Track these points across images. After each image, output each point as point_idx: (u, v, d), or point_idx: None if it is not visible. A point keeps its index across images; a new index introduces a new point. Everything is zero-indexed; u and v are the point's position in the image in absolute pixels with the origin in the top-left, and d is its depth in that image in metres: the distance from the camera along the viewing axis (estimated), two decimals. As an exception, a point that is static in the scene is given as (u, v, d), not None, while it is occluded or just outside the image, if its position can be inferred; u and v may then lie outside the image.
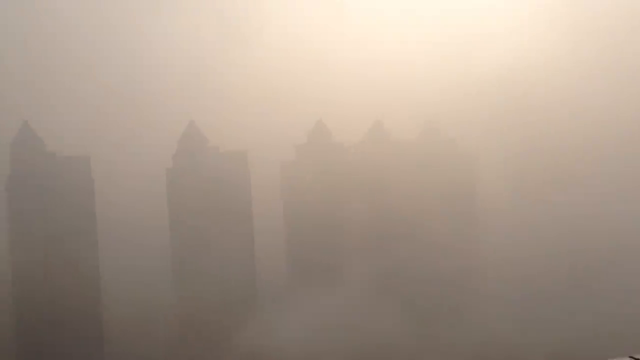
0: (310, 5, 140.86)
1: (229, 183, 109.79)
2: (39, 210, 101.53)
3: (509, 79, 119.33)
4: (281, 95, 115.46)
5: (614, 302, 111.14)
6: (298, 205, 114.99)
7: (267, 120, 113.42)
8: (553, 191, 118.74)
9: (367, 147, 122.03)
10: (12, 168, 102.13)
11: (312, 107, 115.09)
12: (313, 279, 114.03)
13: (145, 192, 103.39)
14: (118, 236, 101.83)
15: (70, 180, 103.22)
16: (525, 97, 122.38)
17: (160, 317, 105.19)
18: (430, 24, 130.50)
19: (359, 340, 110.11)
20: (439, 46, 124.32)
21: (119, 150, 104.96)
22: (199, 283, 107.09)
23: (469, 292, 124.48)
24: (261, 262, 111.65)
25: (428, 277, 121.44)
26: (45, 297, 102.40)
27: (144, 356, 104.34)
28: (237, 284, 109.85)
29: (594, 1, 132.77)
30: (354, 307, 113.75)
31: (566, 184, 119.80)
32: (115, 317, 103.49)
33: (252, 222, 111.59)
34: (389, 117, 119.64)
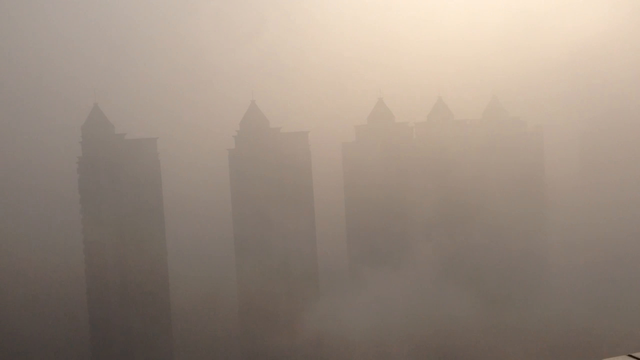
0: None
1: (290, 164, 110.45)
2: (108, 189, 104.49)
3: (577, 56, 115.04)
4: (341, 76, 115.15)
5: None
6: (359, 186, 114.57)
7: (328, 101, 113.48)
8: (624, 171, 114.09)
9: (430, 127, 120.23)
10: (83, 149, 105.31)
11: (373, 88, 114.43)
12: (375, 261, 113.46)
13: (209, 172, 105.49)
14: (183, 215, 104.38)
15: (137, 161, 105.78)
16: (594, 75, 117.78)
17: (223, 296, 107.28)
18: (494, 1, 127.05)
19: (425, 325, 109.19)
20: (504, 23, 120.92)
21: (183, 132, 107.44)
22: (260, 263, 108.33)
23: (536, 275, 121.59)
24: (323, 244, 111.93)
25: (495, 259, 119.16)
26: (115, 275, 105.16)
27: (209, 335, 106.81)
28: (298, 266, 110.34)
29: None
30: (419, 291, 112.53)
31: (638, 163, 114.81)
32: (181, 294, 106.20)
33: (313, 202, 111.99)
34: (452, 96, 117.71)
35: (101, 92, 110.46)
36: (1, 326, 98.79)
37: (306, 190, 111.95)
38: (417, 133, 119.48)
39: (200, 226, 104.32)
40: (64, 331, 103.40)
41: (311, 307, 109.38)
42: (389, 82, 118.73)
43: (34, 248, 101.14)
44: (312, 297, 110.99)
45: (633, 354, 20.52)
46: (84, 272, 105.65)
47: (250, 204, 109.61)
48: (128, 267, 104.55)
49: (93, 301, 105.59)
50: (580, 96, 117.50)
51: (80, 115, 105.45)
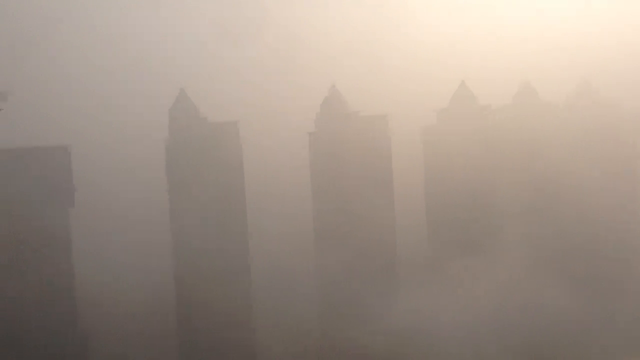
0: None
1: (369, 147, 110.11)
2: (193, 173, 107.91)
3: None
4: (422, 57, 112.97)
5: None
6: (440, 171, 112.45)
7: (407, 83, 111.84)
8: None
9: (515, 111, 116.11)
10: (170, 132, 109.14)
11: (455, 69, 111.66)
12: (459, 252, 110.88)
13: (289, 156, 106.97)
14: (264, 200, 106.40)
15: (220, 144, 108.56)
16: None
17: (302, 284, 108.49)
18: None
19: (519, 320, 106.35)
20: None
21: (264, 115, 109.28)
22: (339, 251, 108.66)
23: (632, 264, 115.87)
24: (402, 230, 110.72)
25: (587, 249, 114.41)
26: (202, 259, 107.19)
27: (288, 328, 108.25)
28: (376, 254, 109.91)
29: None
30: (506, 282, 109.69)
31: None
32: (262, 282, 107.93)
33: (393, 187, 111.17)
34: (538, 78, 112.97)
35: (187, 76, 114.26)
36: (88, 309, 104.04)
37: (385, 174, 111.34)
38: (500, 116, 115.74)
39: (280, 211, 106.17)
40: (152, 313, 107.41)
41: (392, 300, 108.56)
42: (472, 62, 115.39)
43: (123, 231, 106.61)
44: (392, 290, 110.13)
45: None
46: (170, 255, 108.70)
47: (329, 187, 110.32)
48: (212, 251, 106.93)
49: (180, 285, 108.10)
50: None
51: (167, 99, 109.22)
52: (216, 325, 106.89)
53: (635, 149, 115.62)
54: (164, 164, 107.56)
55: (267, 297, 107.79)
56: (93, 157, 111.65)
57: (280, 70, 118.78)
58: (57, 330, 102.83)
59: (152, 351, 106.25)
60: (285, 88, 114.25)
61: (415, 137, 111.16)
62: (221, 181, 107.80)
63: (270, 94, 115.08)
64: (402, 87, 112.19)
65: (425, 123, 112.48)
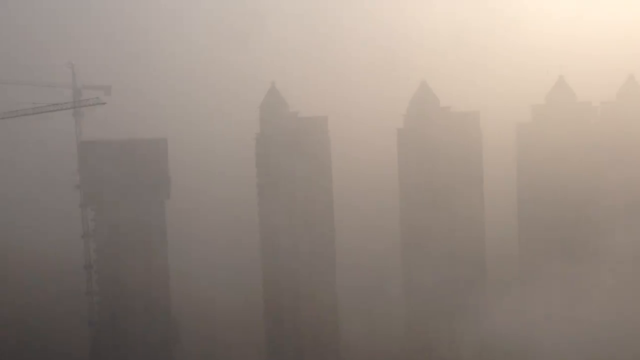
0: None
1: (459, 144, 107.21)
2: (282, 168, 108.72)
3: None
4: (517, 50, 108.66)
5: None
6: (534, 170, 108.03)
7: (501, 78, 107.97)
8: None
9: (619, 107, 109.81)
10: (261, 127, 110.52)
11: (553, 63, 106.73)
12: (554, 254, 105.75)
13: (377, 151, 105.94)
14: (351, 196, 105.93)
15: (309, 139, 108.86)
16: None
17: (389, 283, 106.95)
18: None
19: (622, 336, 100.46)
20: None
21: (353, 110, 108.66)
22: (427, 249, 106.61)
23: None
24: (492, 229, 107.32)
25: None
26: (289, 257, 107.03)
27: (373, 323, 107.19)
28: (465, 252, 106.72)
29: None
30: (608, 289, 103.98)
31: None
32: (348, 281, 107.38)
33: (483, 186, 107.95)
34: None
35: (277, 71, 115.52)
36: (181, 299, 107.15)
37: (476, 172, 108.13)
38: (602, 113, 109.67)
39: (367, 207, 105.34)
40: (239, 304, 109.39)
41: (482, 300, 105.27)
42: (571, 56, 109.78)
43: (214, 224, 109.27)
44: (482, 290, 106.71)
45: None
46: (258, 252, 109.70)
47: (418, 184, 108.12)
48: (298, 246, 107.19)
49: (267, 282, 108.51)
50: None
51: (258, 94, 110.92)
52: (303, 325, 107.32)
53: None
54: (254, 158, 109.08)
55: (353, 297, 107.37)
56: (187, 150, 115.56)
57: (370, 66, 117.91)
58: (153, 318, 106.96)
59: (240, 349, 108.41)
60: (375, 83, 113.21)
61: (509, 134, 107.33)
62: (309, 176, 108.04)
63: (360, 90, 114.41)
64: (496, 82, 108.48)
65: (519, 120, 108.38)
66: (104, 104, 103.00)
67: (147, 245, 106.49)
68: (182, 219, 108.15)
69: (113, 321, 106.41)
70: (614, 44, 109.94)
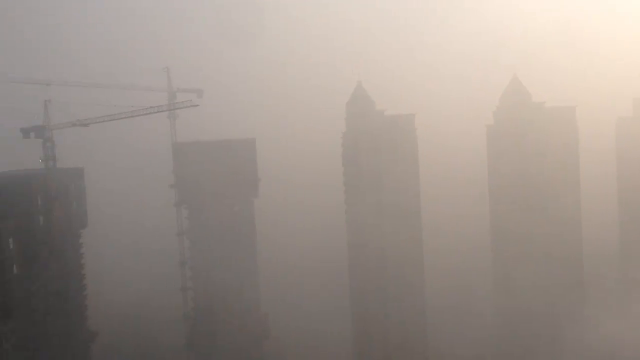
0: None
1: (554, 141, 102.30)
2: (368, 165, 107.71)
3: None
4: (617, 42, 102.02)
5: None
6: (636, 167, 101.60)
7: (600, 71, 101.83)
8: None
9: None
10: (347, 125, 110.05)
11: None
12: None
13: (466, 148, 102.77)
14: (439, 195, 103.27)
15: (396, 136, 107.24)
16: None
17: (477, 285, 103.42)
18: None
19: None
20: None
21: (441, 107, 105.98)
22: (518, 250, 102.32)
23: None
24: (590, 228, 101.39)
25: None
26: (375, 256, 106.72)
27: (461, 325, 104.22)
28: (561, 254, 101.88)
29: None
30: None
31: None
32: (436, 282, 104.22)
33: (579, 183, 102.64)
34: None
35: (364, 70, 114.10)
36: (270, 293, 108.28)
37: (572, 170, 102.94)
38: None
39: (455, 206, 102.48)
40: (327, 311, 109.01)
41: (580, 306, 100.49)
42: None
43: (301, 224, 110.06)
44: (578, 297, 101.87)
45: None
46: (345, 249, 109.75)
47: (509, 182, 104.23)
48: (385, 244, 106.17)
49: (353, 274, 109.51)
50: None
51: (344, 93, 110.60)
52: (392, 326, 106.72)
53: None
54: (341, 156, 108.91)
55: (441, 299, 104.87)
56: (275, 149, 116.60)
57: (458, 62, 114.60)
58: (244, 312, 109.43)
59: (327, 348, 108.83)
60: (463, 79, 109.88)
61: (607, 129, 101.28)
62: (396, 175, 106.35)
63: (448, 86, 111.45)
64: (594, 74, 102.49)
65: (619, 114, 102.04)
66: (197, 106, 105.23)
67: (237, 243, 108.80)
68: (270, 217, 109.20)
69: (206, 315, 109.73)
70: None
